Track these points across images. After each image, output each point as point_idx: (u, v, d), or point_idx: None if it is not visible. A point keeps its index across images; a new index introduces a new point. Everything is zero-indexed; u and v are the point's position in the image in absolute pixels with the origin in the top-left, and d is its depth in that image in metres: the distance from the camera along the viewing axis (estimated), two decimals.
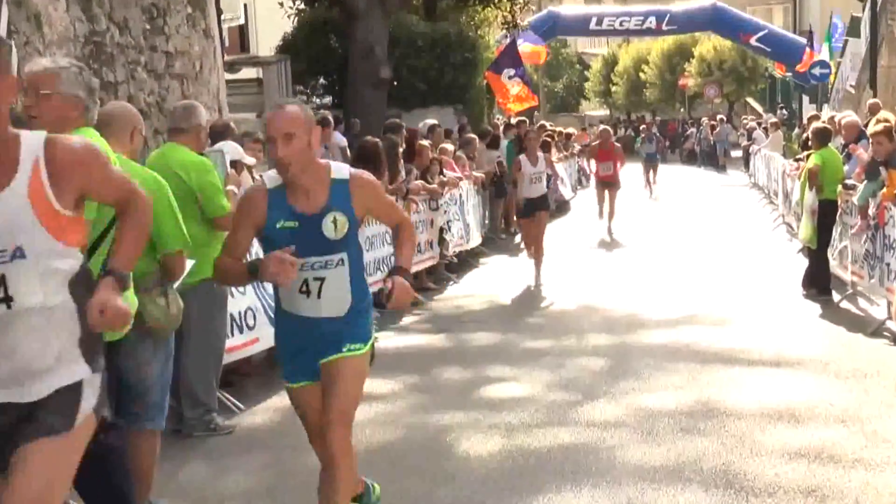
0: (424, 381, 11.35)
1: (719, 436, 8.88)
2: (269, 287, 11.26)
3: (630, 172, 36.09)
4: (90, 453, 6.11)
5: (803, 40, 46.31)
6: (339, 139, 18.28)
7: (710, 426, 9.17)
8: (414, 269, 16.56)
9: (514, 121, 28.30)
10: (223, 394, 10.22)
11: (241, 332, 10.67)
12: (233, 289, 10.40)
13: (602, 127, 29.80)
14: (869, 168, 13.81)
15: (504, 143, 25.15)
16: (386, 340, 13.66)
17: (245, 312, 10.78)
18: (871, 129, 13.78)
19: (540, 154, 18.14)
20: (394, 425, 9.63)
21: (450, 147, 20.64)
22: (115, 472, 6.34)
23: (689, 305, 15.07)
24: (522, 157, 18.06)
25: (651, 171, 37.80)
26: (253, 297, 11.00)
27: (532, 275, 17.81)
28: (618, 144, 26.71)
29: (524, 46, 31.36)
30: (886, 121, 13.64)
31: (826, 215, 14.98)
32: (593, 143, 29.48)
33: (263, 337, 11.13)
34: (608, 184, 25.34)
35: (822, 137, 15.30)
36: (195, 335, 8.81)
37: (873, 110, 17.15)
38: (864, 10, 35.28)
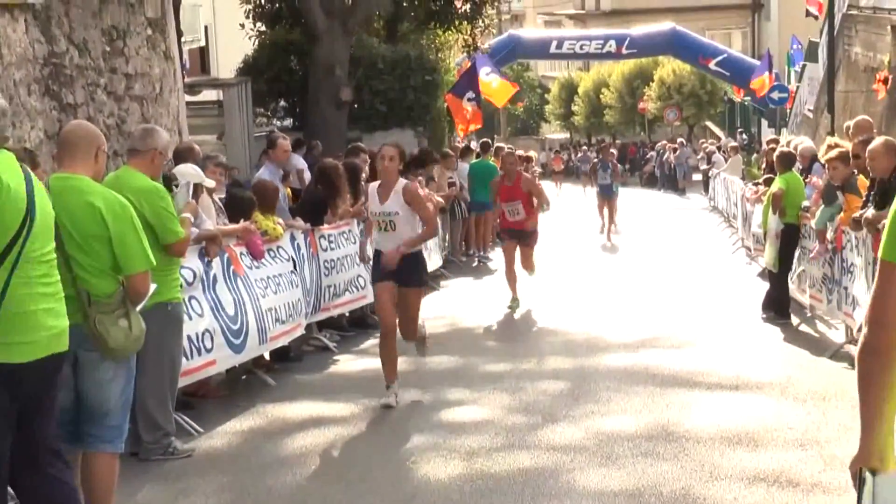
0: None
1: (679, 459, 8.90)
2: (229, 308, 11.27)
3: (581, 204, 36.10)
4: (39, 484, 6.00)
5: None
6: (298, 161, 18.23)
7: (669, 450, 9.19)
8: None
9: (473, 144, 28.22)
10: (181, 417, 10.17)
11: (198, 353, 10.61)
12: (191, 310, 10.37)
13: (506, 149, 20.89)
14: (825, 193, 13.89)
15: (465, 166, 24.97)
16: (345, 363, 13.64)
17: (203, 334, 10.72)
18: (826, 155, 13.85)
19: (397, 188, 11.22)
20: (353, 448, 9.60)
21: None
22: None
23: (648, 328, 15.10)
24: (372, 186, 11.73)
25: (607, 208, 30.02)
26: (211, 318, 10.95)
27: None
28: (527, 175, 19.12)
29: (491, 78, 31.37)
30: (838, 145, 13.75)
31: (788, 239, 15.06)
32: (496, 178, 18.92)
33: (220, 359, 11.09)
34: (518, 234, 17.52)
35: (787, 161, 15.38)
36: (151, 358, 8.75)
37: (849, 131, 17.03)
38: (821, 35, 35.60)
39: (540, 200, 17.66)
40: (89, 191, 6.89)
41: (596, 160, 34.15)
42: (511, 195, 17.38)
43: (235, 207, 12.26)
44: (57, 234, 6.73)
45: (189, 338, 10.30)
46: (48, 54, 13.35)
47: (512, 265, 17.59)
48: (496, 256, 24.84)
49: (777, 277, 15.43)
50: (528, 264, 17.87)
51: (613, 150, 36.93)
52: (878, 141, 11.89)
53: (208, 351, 10.82)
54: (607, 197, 30.11)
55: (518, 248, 17.59)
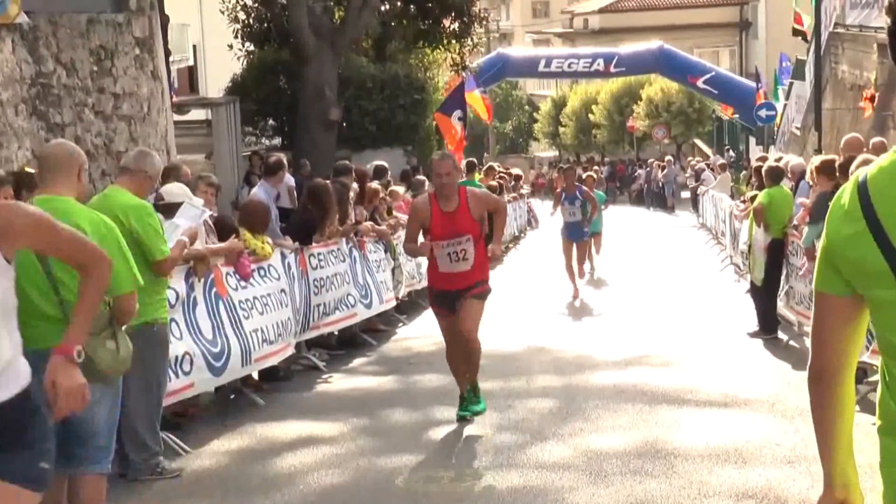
0: (373, 423, 11.31)
1: (667, 477, 8.90)
2: (206, 332, 11.22)
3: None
4: None
5: (750, 83, 46.87)
6: (289, 179, 18.26)
7: (658, 467, 9.19)
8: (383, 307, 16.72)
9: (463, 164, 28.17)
10: (169, 436, 10.15)
11: (176, 376, 10.50)
12: (171, 333, 10.33)
13: (439, 155, 12.38)
14: (814, 209, 13.91)
15: None
16: (334, 382, 13.63)
17: (182, 357, 10.65)
18: (812, 165, 13.90)
19: None
20: (342, 468, 9.58)
21: (401, 190, 20.65)
22: None
23: (637, 346, 15.10)
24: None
25: (577, 256, 21.23)
26: (190, 342, 10.89)
27: None
28: (478, 191, 12.37)
29: (473, 94, 31.45)
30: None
31: (773, 255, 15.09)
32: (419, 200, 11.83)
33: (198, 382, 11.03)
34: (456, 298, 10.75)
35: (774, 176, 15.40)
36: (137, 378, 8.73)
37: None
38: (808, 53, 35.73)
39: (499, 220, 11.16)
40: (75, 213, 6.86)
41: (559, 190, 22.20)
42: (452, 227, 10.65)
43: (220, 229, 12.24)
44: (43, 257, 6.73)
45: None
46: (36, 74, 13.36)
47: (456, 350, 10.93)
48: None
49: (762, 293, 15.45)
50: (472, 354, 10.80)
51: (593, 174, 28.59)
52: (856, 162, 11.90)
53: (186, 374, 10.75)
54: (577, 241, 21.15)
55: (460, 321, 10.74)
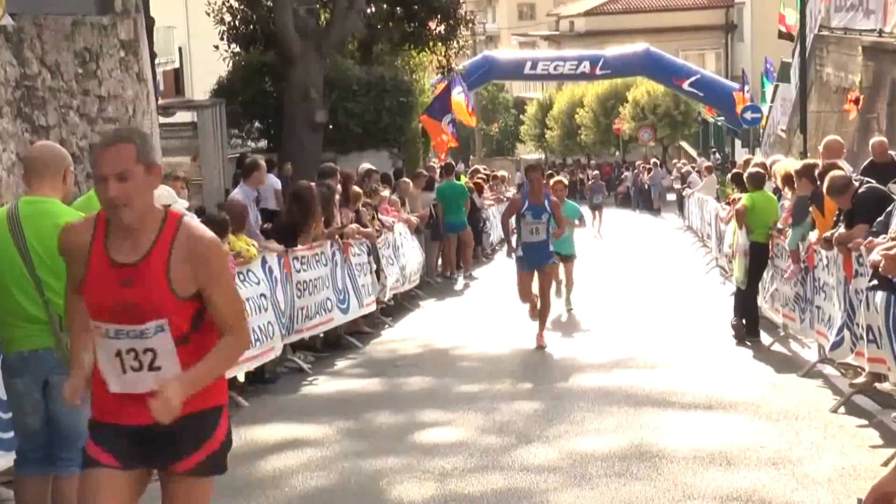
0: (358, 425, 11.30)
1: (652, 479, 8.90)
2: None
3: None
4: None
5: (735, 85, 46.94)
6: (274, 181, 18.25)
7: (643, 470, 9.19)
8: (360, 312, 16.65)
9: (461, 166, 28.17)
10: None
11: None
12: None
13: (107, 137, 5.18)
14: (795, 210, 13.95)
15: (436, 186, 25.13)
16: (319, 385, 13.61)
17: None
18: (792, 169, 13.97)
19: None
20: (327, 470, 9.57)
21: (384, 193, 20.64)
22: None
23: (622, 348, 15.10)
24: None
25: (540, 287, 15.68)
26: None
27: None
28: (207, 237, 5.23)
29: (461, 98, 31.43)
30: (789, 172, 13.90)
31: (754, 258, 15.11)
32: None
33: None
34: (140, 439, 5.23)
35: (756, 181, 15.44)
36: None
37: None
38: (793, 55, 35.79)
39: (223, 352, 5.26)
40: (60, 214, 6.86)
41: (518, 194, 19.25)
42: (122, 296, 5.04)
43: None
44: (28, 258, 6.72)
45: None
46: (20, 76, 13.31)
47: None
48: (479, 274, 24.88)
49: (744, 295, 15.47)
50: None
51: (563, 179, 20.63)
52: (827, 181, 11.89)
53: None
54: (538, 267, 15.53)
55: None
